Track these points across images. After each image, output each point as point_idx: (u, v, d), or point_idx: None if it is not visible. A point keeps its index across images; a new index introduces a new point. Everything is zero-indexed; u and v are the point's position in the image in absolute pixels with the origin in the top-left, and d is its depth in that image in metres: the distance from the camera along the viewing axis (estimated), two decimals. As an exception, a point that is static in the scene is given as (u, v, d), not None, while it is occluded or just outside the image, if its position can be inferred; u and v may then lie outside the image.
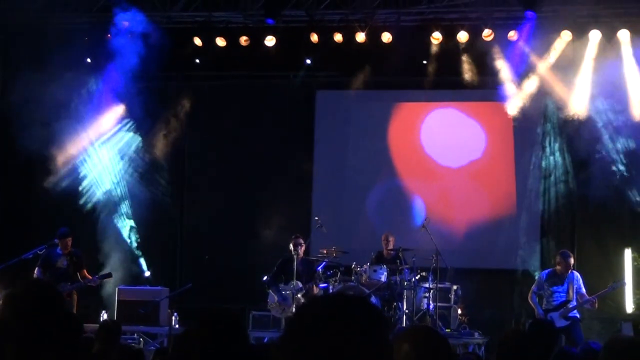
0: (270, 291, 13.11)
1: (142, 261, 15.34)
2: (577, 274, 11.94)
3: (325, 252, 13.53)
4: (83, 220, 15.16)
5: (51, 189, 15.72)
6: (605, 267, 13.95)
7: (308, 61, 15.43)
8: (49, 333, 3.15)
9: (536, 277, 12.47)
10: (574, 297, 11.75)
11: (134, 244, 15.45)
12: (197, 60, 15.41)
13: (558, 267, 11.87)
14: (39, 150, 15.20)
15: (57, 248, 12.64)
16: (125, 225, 15.52)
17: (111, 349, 6.68)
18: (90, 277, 12.62)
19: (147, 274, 14.88)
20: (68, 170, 15.62)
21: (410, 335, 3.48)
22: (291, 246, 13.03)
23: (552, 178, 15.06)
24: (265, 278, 13.42)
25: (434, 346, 3.34)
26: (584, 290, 11.84)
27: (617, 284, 12.46)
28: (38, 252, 12.60)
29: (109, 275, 13.22)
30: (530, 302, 12.04)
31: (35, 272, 12.54)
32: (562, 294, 11.79)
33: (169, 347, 11.03)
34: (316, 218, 14.38)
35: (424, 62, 14.97)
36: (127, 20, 14.56)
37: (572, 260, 11.88)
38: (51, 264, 12.60)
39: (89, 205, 15.57)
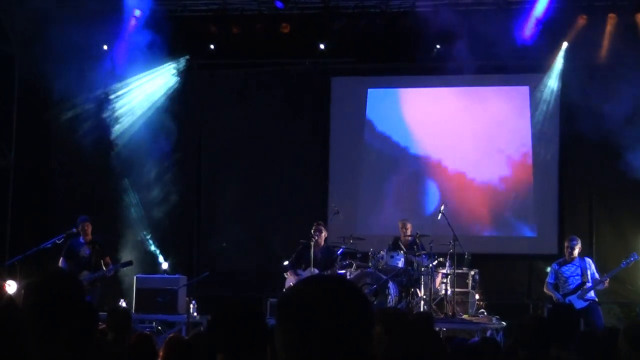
0: (288, 275, 13.11)
1: (159, 253, 15.32)
2: (589, 260, 11.94)
3: (342, 238, 13.54)
4: (101, 210, 15.20)
5: (66, 179, 15.83)
6: (623, 252, 13.82)
7: (322, 47, 15.38)
8: (67, 322, 3.16)
9: (549, 269, 12.36)
10: (590, 280, 11.76)
11: (151, 234, 15.45)
12: (212, 46, 15.41)
13: (567, 254, 11.92)
14: (54, 134, 15.32)
15: (79, 237, 12.74)
16: (142, 215, 15.54)
17: (124, 336, 6.71)
18: (110, 265, 12.70)
19: (165, 265, 14.89)
20: (84, 157, 15.71)
21: (380, 317, 3.51)
22: (312, 232, 13.03)
23: (570, 163, 15.00)
24: (285, 263, 13.47)
25: (405, 328, 3.35)
26: (597, 276, 11.82)
27: (629, 259, 12.41)
28: (57, 241, 12.64)
29: (130, 263, 13.28)
30: (547, 291, 12.05)
31: (60, 262, 12.65)
32: (577, 278, 11.80)
33: (187, 334, 11.06)
34: (333, 205, 14.37)
35: (437, 45, 14.89)
36: (140, 9, 14.61)
37: (578, 244, 11.87)
38: (74, 254, 12.70)
39: (106, 196, 15.62)
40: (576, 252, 11.84)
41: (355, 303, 2.13)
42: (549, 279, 12.08)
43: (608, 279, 11.78)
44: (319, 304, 2.09)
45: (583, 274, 11.79)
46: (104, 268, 12.62)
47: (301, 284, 2.19)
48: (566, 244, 11.97)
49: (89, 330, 3.45)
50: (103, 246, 12.89)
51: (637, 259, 12.68)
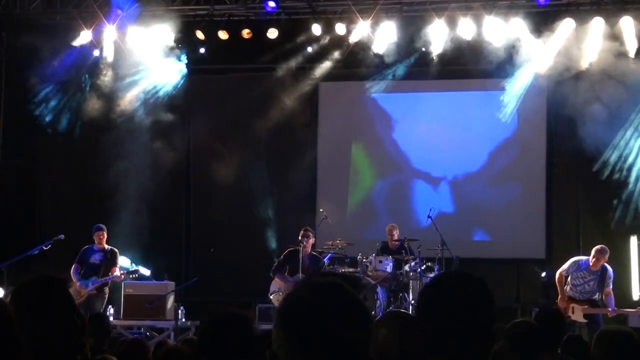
0: (275, 279, 13.09)
1: (139, 262, 15.16)
2: (610, 271, 11.80)
3: (330, 243, 13.53)
4: (89, 214, 15.14)
5: (53, 184, 15.80)
6: (611, 256, 13.84)
7: (310, 50, 15.35)
8: (52, 327, 3.15)
9: (570, 261, 11.98)
10: (600, 291, 11.70)
11: (139, 239, 15.37)
12: (202, 50, 15.37)
13: (592, 262, 11.69)
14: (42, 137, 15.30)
15: (93, 245, 12.97)
16: (130, 219, 15.47)
17: (104, 341, 6.74)
18: (117, 273, 12.80)
19: (148, 272, 14.82)
20: (74, 161, 15.69)
21: (387, 320, 3.57)
22: (300, 237, 13.02)
23: (557, 167, 15.05)
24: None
25: (411, 330, 3.38)
26: (611, 286, 11.77)
27: None
28: (44, 247, 12.68)
29: (135, 272, 13.32)
30: (558, 284, 11.89)
31: (72, 268, 12.79)
32: (592, 288, 11.71)
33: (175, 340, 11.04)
34: (321, 210, 14.38)
35: (423, 49, 14.91)
36: (123, 10, 14.65)
37: (607, 257, 11.75)
38: (86, 260, 12.83)
39: (94, 200, 15.58)
40: (601, 263, 11.72)
41: (353, 307, 2.16)
42: (564, 270, 11.84)
43: (616, 312, 11.77)
44: (319, 310, 2.12)
45: (598, 287, 11.68)
46: (109, 275, 12.72)
47: (301, 290, 2.21)
48: (595, 254, 11.65)
49: (76, 337, 3.44)
50: (115, 256, 13.00)
51: None
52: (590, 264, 11.70)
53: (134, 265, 13.89)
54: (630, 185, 14.42)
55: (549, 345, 5.52)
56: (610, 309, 11.67)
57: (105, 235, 13.02)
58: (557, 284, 11.95)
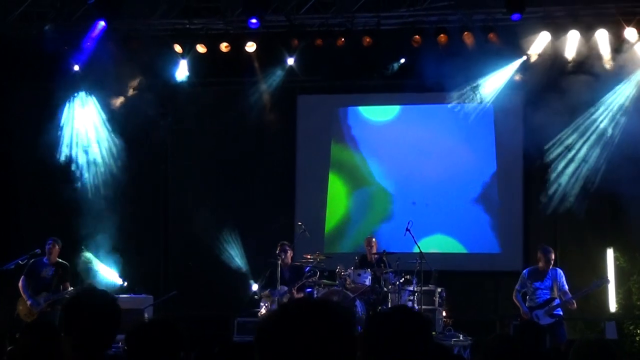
0: (262, 298, 13.16)
1: (120, 275, 15.06)
2: (560, 271, 12.03)
3: (309, 257, 13.53)
4: (66, 229, 15.06)
5: (29, 198, 15.71)
6: (588, 268, 13.98)
7: (290, 63, 15.33)
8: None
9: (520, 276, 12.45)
10: (558, 294, 11.86)
11: (118, 253, 15.30)
12: (181, 64, 15.31)
13: (540, 264, 11.99)
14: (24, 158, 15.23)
15: (43, 257, 12.64)
16: (108, 235, 15.41)
17: None
18: (69, 289, 12.60)
19: (125, 283, 14.73)
20: (51, 176, 15.60)
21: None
22: (277, 252, 13.08)
23: (534, 180, 15.11)
24: (254, 286, 13.52)
25: None
26: (566, 287, 11.92)
27: (599, 281, 12.53)
28: (20, 262, 12.57)
29: (91, 287, 13.18)
30: (515, 300, 12.13)
31: (20, 281, 12.55)
32: (545, 291, 11.89)
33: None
34: (299, 223, 14.37)
35: (402, 60, 14.99)
36: (100, 29, 14.62)
37: (552, 256, 11.96)
38: (36, 274, 12.59)
39: (70, 215, 15.49)
40: (551, 262, 11.93)
41: (335, 327, 2.11)
42: (517, 286, 12.15)
43: (574, 299, 11.86)
44: (299, 330, 2.08)
45: (552, 287, 11.88)
46: (61, 291, 12.52)
47: (280, 310, 2.17)
48: (540, 254, 12.00)
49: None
50: (67, 271, 12.80)
51: (607, 282, 12.82)
52: (539, 265, 11.99)
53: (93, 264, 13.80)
54: (606, 197, 14.48)
55: (528, 359, 5.53)
56: (568, 300, 11.80)
57: (59, 249, 12.73)
58: (515, 301, 12.16)
